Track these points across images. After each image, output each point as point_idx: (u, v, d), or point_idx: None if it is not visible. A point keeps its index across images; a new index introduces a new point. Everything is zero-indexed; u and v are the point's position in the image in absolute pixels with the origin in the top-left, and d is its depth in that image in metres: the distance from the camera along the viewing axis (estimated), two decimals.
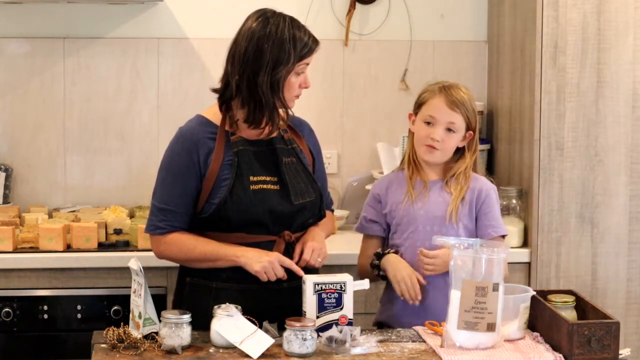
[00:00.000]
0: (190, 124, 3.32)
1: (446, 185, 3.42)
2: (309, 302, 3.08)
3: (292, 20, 3.25)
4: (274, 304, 3.19)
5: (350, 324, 3.09)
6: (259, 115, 3.23)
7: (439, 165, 3.44)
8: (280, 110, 3.28)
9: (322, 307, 3.08)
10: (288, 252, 3.26)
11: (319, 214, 3.37)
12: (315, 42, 3.25)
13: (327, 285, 3.09)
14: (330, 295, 3.09)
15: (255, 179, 3.25)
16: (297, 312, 3.13)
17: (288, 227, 3.27)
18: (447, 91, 3.38)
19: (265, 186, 3.25)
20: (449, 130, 3.36)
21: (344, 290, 3.10)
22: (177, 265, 3.84)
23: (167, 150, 3.30)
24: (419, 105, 3.43)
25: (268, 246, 3.24)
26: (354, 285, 3.13)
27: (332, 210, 3.57)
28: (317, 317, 3.07)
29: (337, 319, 3.09)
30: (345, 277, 3.12)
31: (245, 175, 3.24)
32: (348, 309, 3.11)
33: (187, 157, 3.24)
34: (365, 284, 3.17)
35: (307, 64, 3.26)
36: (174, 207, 3.25)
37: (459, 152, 3.44)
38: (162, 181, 3.28)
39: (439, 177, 3.44)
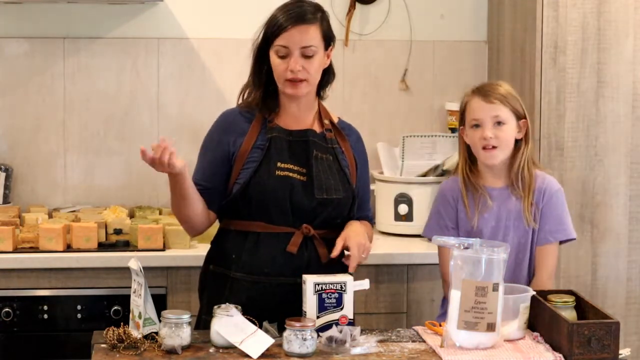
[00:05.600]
0: (232, 108, 3.38)
1: (512, 188, 3.37)
2: (309, 302, 3.08)
3: (297, 1, 3.26)
4: (284, 299, 3.18)
5: (350, 324, 3.09)
6: (255, 92, 3.30)
7: (501, 169, 3.38)
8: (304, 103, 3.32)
9: (322, 307, 3.08)
10: (307, 246, 3.26)
11: (348, 215, 3.35)
12: (287, 23, 3.20)
13: (327, 285, 3.09)
14: (330, 295, 3.09)
15: (282, 165, 3.26)
16: None
17: (310, 221, 3.27)
18: (481, 89, 3.35)
19: (290, 174, 3.25)
20: (497, 124, 3.32)
21: (344, 291, 3.10)
22: (177, 265, 3.86)
23: (208, 130, 3.38)
24: (462, 115, 3.39)
25: (287, 237, 3.25)
26: (354, 286, 3.13)
27: (372, 223, 3.52)
28: (318, 317, 3.07)
29: (338, 319, 3.09)
30: (346, 277, 3.12)
31: (273, 160, 3.26)
32: (348, 309, 3.11)
33: (219, 137, 3.31)
34: (365, 284, 3.17)
35: (287, 48, 3.21)
36: (203, 182, 3.30)
37: (516, 144, 3.38)
38: (198, 158, 3.37)
39: (504, 183, 3.40)
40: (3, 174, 4.36)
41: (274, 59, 3.24)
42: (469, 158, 3.42)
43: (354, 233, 3.26)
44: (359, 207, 3.40)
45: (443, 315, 3.41)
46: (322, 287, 3.09)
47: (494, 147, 3.33)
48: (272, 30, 3.22)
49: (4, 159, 4.44)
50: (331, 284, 3.10)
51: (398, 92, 4.59)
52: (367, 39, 4.57)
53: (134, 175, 4.49)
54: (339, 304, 3.10)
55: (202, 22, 4.48)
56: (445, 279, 3.43)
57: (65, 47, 4.44)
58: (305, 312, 3.09)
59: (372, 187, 4.22)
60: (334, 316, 3.09)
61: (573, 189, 4.03)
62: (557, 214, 3.39)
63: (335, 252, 3.22)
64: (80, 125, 4.47)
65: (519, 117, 3.36)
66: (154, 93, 4.49)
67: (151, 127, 4.49)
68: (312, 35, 3.23)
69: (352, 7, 4.52)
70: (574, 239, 3.44)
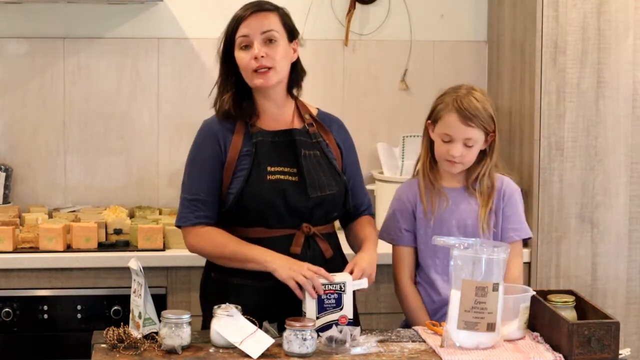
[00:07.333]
0: (212, 117, 3.35)
1: (469, 190, 3.38)
2: (309, 302, 3.08)
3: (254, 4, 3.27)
4: (294, 301, 3.16)
5: (350, 324, 3.09)
6: (218, 95, 3.31)
7: (460, 172, 3.39)
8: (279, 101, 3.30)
9: (321, 308, 3.08)
10: (308, 245, 3.26)
11: (343, 208, 3.36)
12: (245, 12, 3.21)
13: (326, 285, 3.09)
14: (329, 295, 3.09)
15: (273, 169, 3.25)
16: None
17: (307, 220, 3.26)
18: (460, 104, 3.31)
19: (282, 177, 3.24)
20: (467, 145, 3.32)
21: (343, 291, 3.10)
22: (177, 265, 3.84)
23: (192, 145, 3.33)
24: (434, 119, 3.37)
25: (288, 240, 3.23)
26: (353, 285, 3.13)
27: (372, 215, 3.49)
28: (317, 318, 3.06)
29: (337, 319, 3.09)
30: (345, 277, 3.12)
31: (262, 165, 3.24)
32: (348, 309, 3.10)
33: (210, 147, 3.27)
34: (363, 283, 3.17)
35: (248, 37, 3.21)
36: (203, 196, 3.26)
37: (480, 154, 3.39)
38: (189, 174, 3.31)
39: (461, 184, 3.41)
40: (3, 174, 4.36)
41: (238, 54, 3.23)
42: (431, 154, 3.41)
43: (363, 259, 3.23)
44: (354, 194, 3.39)
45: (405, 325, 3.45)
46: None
47: (456, 162, 3.34)
48: (233, 24, 3.24)
49: (4, 159, 4.44)
50: (330, 284, 3.09)
51: (398, 92, 4.59)
52: (367, 39, 4.57)
53: (134, 175, 4.49)
54: (338, 304, 3.09)
55: (202, 22, 4.48)
56: (400, 282, 3.44)
57: (65, 47, 4.44)
58: (304, 312, 3.09)
59: (372, 187, 4.23)
60: (334, 317, 3.09)
61: (573, 189, 4.03)
62: (518, 213, 3.42)
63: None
64: (80, 125, 4.47)
65: (488, 132, 3.36)
66: (154, 93, 4.49)
67: (151, 127, 4.49)
68: (271, 20, 3.23)
69: (352, 7, 4.52)
70: (531, 237, 3.50)
